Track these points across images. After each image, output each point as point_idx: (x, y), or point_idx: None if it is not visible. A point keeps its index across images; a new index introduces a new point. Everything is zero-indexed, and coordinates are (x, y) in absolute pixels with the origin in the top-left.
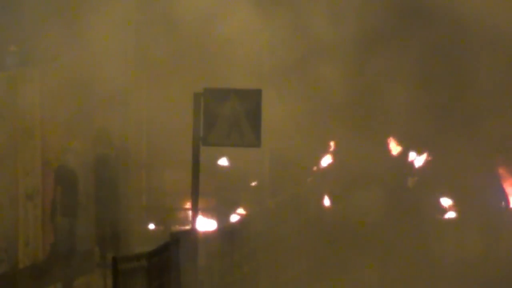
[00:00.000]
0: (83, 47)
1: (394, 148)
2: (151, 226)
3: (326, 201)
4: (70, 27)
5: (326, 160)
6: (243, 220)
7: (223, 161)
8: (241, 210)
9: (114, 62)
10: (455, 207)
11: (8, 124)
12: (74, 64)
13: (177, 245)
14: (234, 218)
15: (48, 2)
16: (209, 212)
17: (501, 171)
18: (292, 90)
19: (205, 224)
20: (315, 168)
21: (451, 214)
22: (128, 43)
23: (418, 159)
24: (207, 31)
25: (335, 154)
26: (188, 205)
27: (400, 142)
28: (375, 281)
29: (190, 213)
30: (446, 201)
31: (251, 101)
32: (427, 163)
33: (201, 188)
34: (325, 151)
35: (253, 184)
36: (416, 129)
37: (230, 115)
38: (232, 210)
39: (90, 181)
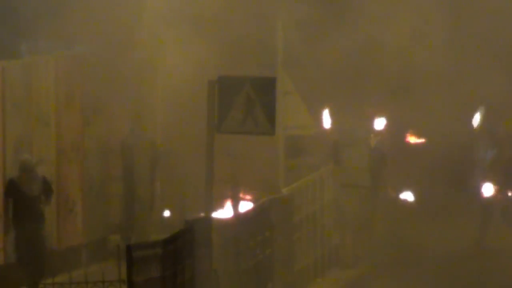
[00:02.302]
0: (98, 33)
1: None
2: (166, 214)
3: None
4: (85, 13)
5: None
6: (258, 207)
7: (238, 148)
8: (255, 197)
9: (129, 49)
10: None
11: (23, 112)
12: (89, 51)
13: (191, 232)
14: (248, 205)
15: None
16: (224, 199)
17: None
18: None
19: (220, 212)
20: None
21: None
22: (144, 30)
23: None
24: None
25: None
26: (202, 192)
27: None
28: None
29: (204, 200)
30: None
31: (266, 89)
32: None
33: (216, 175)
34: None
35: (268, 171)
36: None
37: (244, 103)
38: (247, 197)
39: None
